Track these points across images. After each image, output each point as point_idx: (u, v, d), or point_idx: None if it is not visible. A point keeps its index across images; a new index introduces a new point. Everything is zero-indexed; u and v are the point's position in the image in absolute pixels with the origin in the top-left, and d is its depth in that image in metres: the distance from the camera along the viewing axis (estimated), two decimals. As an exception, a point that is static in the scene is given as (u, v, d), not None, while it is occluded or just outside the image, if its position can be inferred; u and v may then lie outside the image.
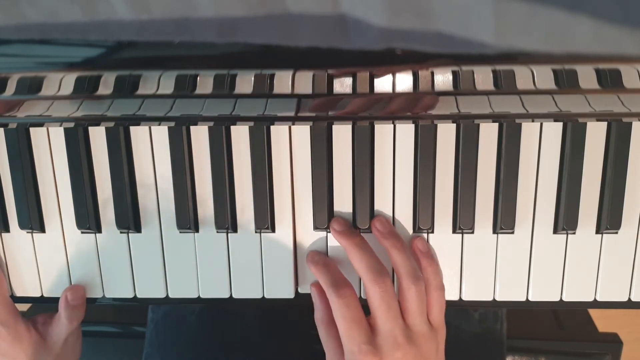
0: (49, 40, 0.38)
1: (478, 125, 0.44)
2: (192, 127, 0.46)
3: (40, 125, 0.46)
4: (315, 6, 0.35)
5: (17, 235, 0.49)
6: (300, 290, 0.49)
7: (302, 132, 0.45)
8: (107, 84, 0.42)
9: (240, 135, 0.46)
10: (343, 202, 0.46)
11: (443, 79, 0.41)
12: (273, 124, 0.45)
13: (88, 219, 0.48)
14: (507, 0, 0.34)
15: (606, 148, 0.44)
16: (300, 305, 0.49)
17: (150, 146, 0.47)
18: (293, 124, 0.45)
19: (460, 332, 0.55)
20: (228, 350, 0.57)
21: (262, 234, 0.48)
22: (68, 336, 0.49)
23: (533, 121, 0.44)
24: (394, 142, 0.45)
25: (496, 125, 0.44)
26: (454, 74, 0.40)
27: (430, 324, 0.45)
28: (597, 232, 0.46)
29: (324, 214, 0.46)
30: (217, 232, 0.47)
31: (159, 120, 0.45)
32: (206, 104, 0.43)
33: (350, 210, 0.47)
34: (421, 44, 0.36)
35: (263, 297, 0.49)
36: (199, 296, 0.49)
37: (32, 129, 0.47)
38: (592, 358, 0.64)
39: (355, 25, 0.35)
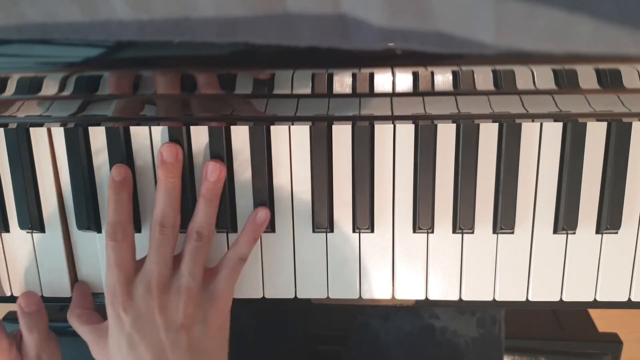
0: (49, 40, 0.38)
1: (478, 125, 0.44)
2: (192, 127, 0.46)
3: (40, 125, 0.46)
4: (315, 6, 0.35)
5: (17, 235, 0.49)
6: (299, 295, 0.49)
7: (302, 132, 0.45)
8: (107, 84, 0.42)
9: (240, 135, 0.46)
10: (343, 202, 0.46)
11: (443, 79, 0.41)
12: (273, 124, 0.45)
13: (87, 219, 0.48)
14: (507, 0, 0.34)
15: (606, 148, 0.44)
16: (300, 305, 0.49)
17: (151, 146, 0.47)
18: (293, 124, 0.45)
19: (458, 336, 0.55)
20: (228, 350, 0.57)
21: (262, 234, 0.48)
22: (40, 352, 0.47)
23: (533, 121, 0.44)
24: (394, 142, 0.45)
25: (496, 125, 0.44)
26: (454, 74, 0.40)
27: (208, 288, 0.43)
28: (597, 232, 0.46)
29: (324, 214, 0.46)
30: (217, 232, 0.47)
31: (159, 120, 0.45)
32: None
33: (350, 210, 0.47)
34: (421, 44, 0.36)
35: (263, 297, 0.49)
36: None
37: (32, 129, 0.47)
38: (592, 358, 0.64)
39: (355, 25, 0.35)
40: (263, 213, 0.46)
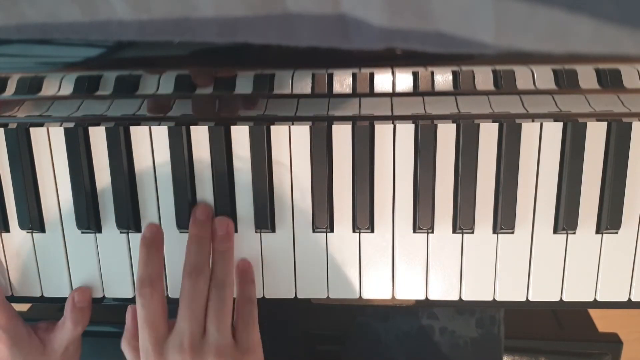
0: (49, 40, 0.38)
1: (478, 125, 0.44)
2: (192, 127, 0.46)
3: (40, 125, 0.46)
4: (315, 6, 0.35)
5: (17, 235, 0.49)
6: (299, 295, 0.49)
7: (302, 132, 0.45)
8: (107, 84, 0.42)
9: (240, 135, 0.46)
10: (343, 202, 0.46)
11: (443, 79, 0.41)
12: (273, 124, 0.45)
13: (88, 219, 0.48)
14: (507, 0, 0.34)
15: (606, 148, 0.44)
16: (300, 305, 0.49)
17: (150, 146, 0.47)
18: (293, 124, 0.45)
19: (457, 336, 0.55)
20: None
21: (262, 234, 0.48)
22: (69, 345, 0.49)
23: (533, 121, 0.44)
24: (394, 142, 0.45)
25: (496, 125, 0.44)
26: (454, 74, 0.40)
27: (238, 342, 0.43)
28: (597, 232, 0.46)
29: (324, 214, 0.46)
30: (217, 232, 0.47)
31: (159, 120, 0.45)
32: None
33: (350, 210, 0.47)
34: (421, 44, 0.36)
35: (263, 297, 0.49)
36: (199, 296, 0.49)
37: (32, 129, 0.47)
38: (592, 358, 0.64)
39: (355, 25, 0.35)
40: (242, 262, 0.47)
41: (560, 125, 0.44)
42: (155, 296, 0.43)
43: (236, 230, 0.48)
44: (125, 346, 0.46)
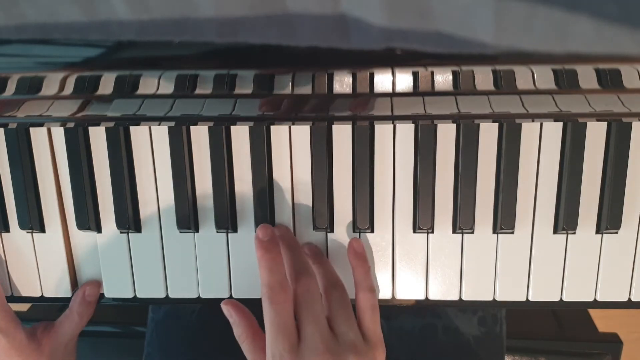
0: (49, 40, 0.38)
1: (478, 125, 0.44)
2: (192, 127, 0.46)
3: (40, 125, 0.46)
4: (315, 6, 0.35)
5: (17, 235, 0.49)
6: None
7: (302, 132, 0.45)
8: (107, 84, 0.42)
9: (240, 135, 0.46)
10: (343, 202, 0.46)
11: (443, 79, 0.41)
12: (273, 124, 0.45)
13: (88, 219, 0.48)
14: (507, 0, 0.34)
15: (606, 148, 0.44)
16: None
17: (150, 146, 0.47)
18: (293, 124, 0.45)
19: (460, 335, 0.55)
20: (228, 350, 0.57)
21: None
22: (69, 341, 0.49)
23: (533, 121, 0.44)
24: (394, 142, 0.45)
25: (496, 125, 0.44)
26: (454, 74, 0.40)
27: (365, 337, 0.42)
28: (597, 232, 0.46)
29: (324, 214, 0.46)
30: (217, 231, 0.47)
31: (159, 120, 0.45)
32: (206, 104, 0.43)
33: (350, 210, 0.47)
34: (421, 44, 0.36)
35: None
36: (199, 296, 0.49)
37: (32, 129, 0.47)
38: (592, 358, 0.64)
39: (355, 25, 0.35)
40: (357, 243, 0.47)
41: (560, 125, 0.44)
42: (289, 301, 0.41)
43: (236, 230, 0.48)
44: (245, 339, 0.44)
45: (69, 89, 0.42)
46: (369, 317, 0.43)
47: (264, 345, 0.41)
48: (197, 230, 0.48)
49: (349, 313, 0.42)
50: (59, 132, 0.47)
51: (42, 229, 0.49)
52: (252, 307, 0.45)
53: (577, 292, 0.47)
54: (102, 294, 0.50)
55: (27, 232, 0.49)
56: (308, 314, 0.40)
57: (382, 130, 0.45)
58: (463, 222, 0.46)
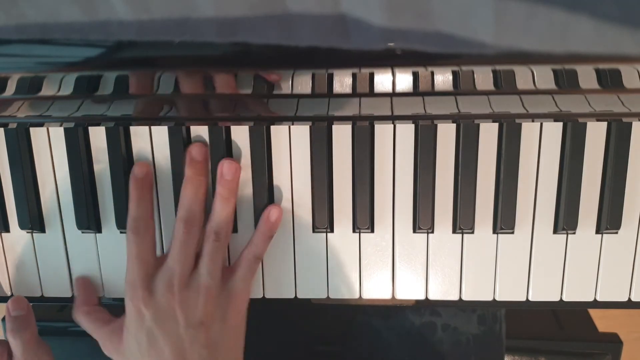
0: (49, 40, 0.38)
1: (478, 125, 0.44)
2: (192, 127, 0.46)
3: (40, 125, 0.46)
4: (315, 6, 0.35)
5: (17, 235, 0.49)
6: (299, 295, 0.49)
7: (302, 132, 0.45)
8: (107, 84, 0.42)
9: (240, 135, 0.46)
10: (343, 202, 0.46)
11: (443, 79, 0.41)
12: (273, 124, 0.45)
13: (88, 219, 0.48)
14: (507, 0, 0.34)
15: (606, 148, 0.44)
16: (300, 305, 0.49)
17: (150, 146, 0.47)
18: (293, 124, 0.45)
19: (459, 334, 0.55)
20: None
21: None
22: (26, 355, 0.45)
23: (533, 121, 0.44)
24: (394, 142, 0.45)
25: (496, 125, 0.44)
26: (454, 74, 0.40)
27: (224, 286, 0.44)
28: (597, 232, 0.46)
29: (324, 214, 0.46)
30: (217, 232, 0.47)
31: (159, 120, 0.45)
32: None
33: (350, 210, 0.47)
34: (421, 44, 0.36)
35: (263, 297, 0.49)
36: (199, 296, 0.49)
37: (32, 129, 0.47)
38: (592, 358, 0.64)
39: (355, 25, 0.35)
40: (276, 211, 0.46)
41: (560, 125, 0.44)
42: (148, 234, 0.44)
43: (236, 231, 0.48)
44: (77, 314, 0.47)
45: (69, 89, 0.42)
46: (241, 274, 0.45)
47: (101, 317, 0.46)
48: (197, 230, 0.48)
49: (216, 260, 0.44)
50: (59, 132, 0.47)
51: (42, 229, 0.49)
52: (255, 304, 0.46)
53: (577, 292, 0.47)
54: (102, 297, 0.50)
55: (27, 232, 0.49)
56: (177, 254, 0.43)
57: (382, 130, 0.45)
58: (463, 222, 0.46)
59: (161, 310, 0.42)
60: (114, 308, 0.49)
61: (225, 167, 0.44)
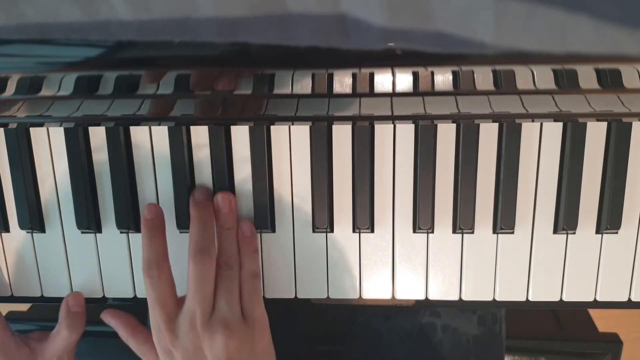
0: (49, 40, 0.38)
1: (478, 125, 0.44)
2: (192, 127, 0.46)
3: (40, 125, 0.46)
4: (315, 6, 0.35)
5: (17, 235, 0.49)
6: (299, 295, 0.49)
7: (302, 132, 0.45)
8: (107, 84, 0.42)
9: (240, 135, 0.46)
10: (343, 202, 0.46)
11: (443, 79, 0.41)
12: (273, 124, 0.45)
13: (88, 219, 0.48)
14: (507, 0, 0.34)
15: (606, 148, 0.44)
16: (300, 305, 0.49)
17: (151, 146, 0.47)
18: (293, 124, 0.45)
19: (459, 334, 0.55)
20: None
21: (262, 234, 0.48)
22: (64, 353, 0.48)
23: (533, 121, 0.44)
24: (394, 142, 0.45)
25: (496, 125, 0.44)
26: (454, 74, 0.40)
27: (245, 317, 0.44)
28: (597, 232, 0.46)
29: (324, 214, 0.46)
30: (217, 232, 0.47)
31: (159, 120, 0.45)
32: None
33: (350, 210, 0.47)
34: (421, 44, 0.36)
35: (263, 297, 0.49)
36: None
37: (32, 129, 0.47)
38: (592, 358, 0.64)
39: (355, 25, 0.35)
40: (246, 225, 0.46)
41: (560, 125, 0.44)
42: (163, 276, 0.43)
43: (236, 230, 0.48)
44: (128, 338, 0.47)
45: (69, 89, 0.42)
46: (248, 299, 0.44)
47: (146, 337, 0.46)
48: (197, 230, 0.48)
49: (232, 292, 0.44)
50: (59, 132, 0.47)
51: (42, 229, 0.49)
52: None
53: (577, 292, 0.47)
54: (102, 297, 0.50)
55: (27, 232, 0.49)
56: (194, 293, 0.42)
57: (382, 130, 0.45)
58: (463, 222, 0.46)
59: (189, 350, 0.42)
60: (114, 308, 0.49)
61: (219, 201, 0.45)
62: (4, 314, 0.49)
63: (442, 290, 0.48)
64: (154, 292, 0.43)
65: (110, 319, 0.49)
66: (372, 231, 0.47)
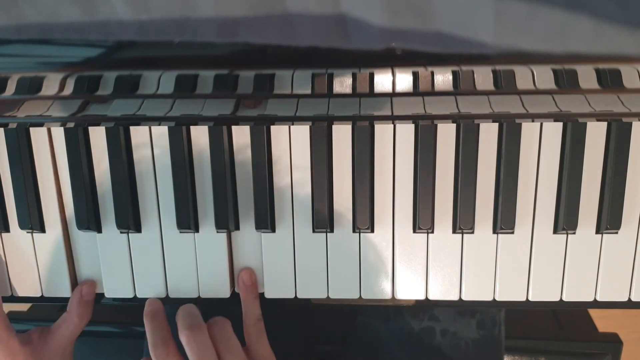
0: (49, 40, 0.38)
1: (478, 125, 0.44)
2: (192, 127, 0.46)
3: (40, 125, 0.46)
4: (315, 6, 0.35)
5: (17, 235, 0.49)
6: (299, 295, 0.49)
7: (302, 132, 0.45)
8: (107, 84, 0.42)
9: (240, 135, 0.46)
10: (343, 202, 0.46)
11: (443, 79, 0.41)
12: (273, 124, 0.45)
13: (88, 219, 0.48)
14: (507, 0, 0.34)
15: (606, 148, 0.44)
16: (300, 305, 0.49)
17: (150, 146, 0.47)
18: (293, 124, 0.45)
19: (458, 338, 0.55)
20: None
21: (262, 234, 0.48)
22: (69, 343, 0.48)
23: (533, 121, 0.44)
24: (394, 142, 0.45)
25: (496, 125, 0.44)
26: (454, 74, 0.40)
27: (252, 357, 0.46)
28: (597, 232, 0.46)
29: (324, 214, 0.46)
30: (218, 232, 0.47)
31: (159, 120, 0.45)
32: (206, 104, 0.43)
33: (350, 210, 0.47)
34: (421, 44, 0.36)
35: (263, 297, 0.49)
36: (199, 296, 0.49)
37: (32, 129, 0.47)
38: (592, 358, 0.64)
39: (356, 25, 0.35)
40: (245, 273, 0.48)
41: (560, 125, 0.44)
42: (171, 352, 0.44)
43: (239, 229, 0.48)
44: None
45: (69, 89, 0.42)
46: (254, 342, 0.47)
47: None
48: (197, 231, 0.48)
49: (231, 343, 0.45)
50: (59, 132, 0.47)
51: (42, 229, 0.49)
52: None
53: (577, 292, 0.47)
54: (102, 294, 0.50)
55: (27, 232, 0.49)
56: (199, 357, 0.43)
57: (382, 130, 0.45)
58: (463, 222, 0.46)
59: None
60: (114, 308, 0.49)
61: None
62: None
63: (442, 290, 0.48)
64: None
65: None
66: (372, 231, 0.47)
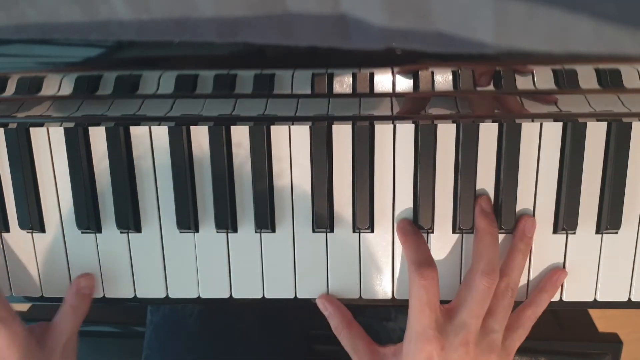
0: (49, 40, 0.38)
1: (478, 125, 0.44)
2: (192, 127, 0.46)
3: (40, 125, 0.46)
4: (315, 6, 0.35)
5: (17, 235, 0.49)
6: (299, 295, 0.49)
7: (302, 132, 0.45)
8: (107, 84, 0.42)
9: (240, 135, 0.46)
10: (343, 202, 0.46)
11: (443, 79, 0.41)
12: (273, 124, 0.45)
13: (88, 219, 0.48)
14: (507, 0, 0.34)
15: (606, 148, 0.44)
16: (300, 305, 0.49)
17: (150, 146, 0.47)
18: (293, 124, 0.45)
19: None
20: (228, 352, 0.57)
21: (262, 234, 0.48)
22: (68, 340, 0.47)
23: (533, 121, 0.44)
24: (394, 142, 0.45)
25: (496, 125, 0.44)
26: (454, 74, 0.40)
27: (503, 343, 0.44)
28: (597, 232, 0.46)
29: (324, 214, 0.46)
30: (217, 232, 0.47)
31: (159, 120, 0.45)
32: (206, 104, 0.43)
33: (350, 210, 0.47)
34: (421, 44, 0.36)
35: (263, 297, 0.49)
36: (199, 296, 0.49)
37: (32, 129, 0.47)
38: (592, 358, 0.64)
39: (356, 25, 0.35)
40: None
41: (560, 125, 0.44)
42: (436, 279, 0.42)
43: (236, 230, 0.48)
44: (342, 330, 0.46)
45: (69, 89, 0.42)
46: (520, 334, 0.45)
47: (360, 333, 0.44)
48: (197, 231, 0.48)
49: (507, 318, 0.44)
50: (59, 132, 0.47)
51: (42, 229, 0.49)
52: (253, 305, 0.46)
53: (577, 292, 0.47)
54: (102, 297, 0.50)
55: (27, 232, 0.49)
56: (474, 307, 0.42)
57: (382, 130, 0.45)
58: (463, 222, 0.46)
59: None
60: (114, 308, 0.49)
61: (527, 225, 0.45)
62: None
63: (442, 290, 0.48)
64: (426, 295, 0.42)
65: (328, 305, 0.46)
66: (372, 231, 0.47)
